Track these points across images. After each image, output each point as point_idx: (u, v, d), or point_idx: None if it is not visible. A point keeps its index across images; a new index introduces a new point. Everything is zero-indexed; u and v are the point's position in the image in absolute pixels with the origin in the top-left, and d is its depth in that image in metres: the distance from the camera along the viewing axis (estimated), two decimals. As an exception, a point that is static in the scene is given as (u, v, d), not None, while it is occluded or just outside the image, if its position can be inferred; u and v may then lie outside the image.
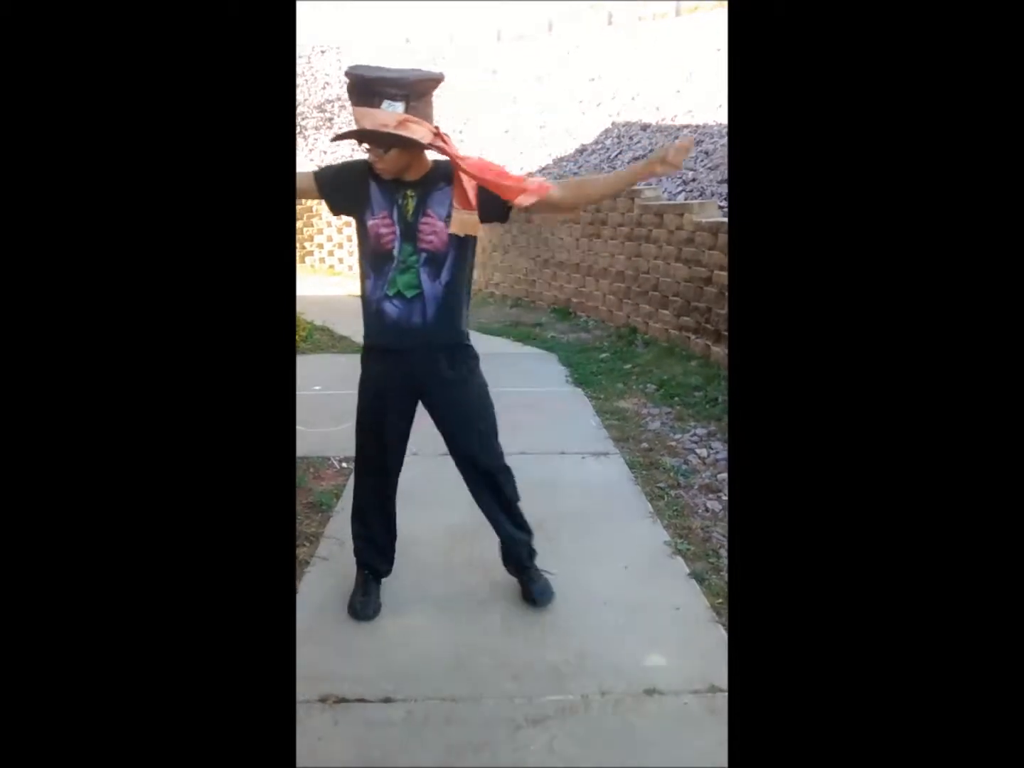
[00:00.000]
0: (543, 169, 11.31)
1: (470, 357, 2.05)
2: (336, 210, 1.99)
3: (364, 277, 1.97)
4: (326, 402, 4.47)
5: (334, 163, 2.03)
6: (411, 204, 1.89)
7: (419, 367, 1.98)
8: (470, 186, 1.85)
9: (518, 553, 2.24)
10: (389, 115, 1.72)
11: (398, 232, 1.89)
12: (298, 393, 4.95)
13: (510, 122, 13.66)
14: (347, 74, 1.77)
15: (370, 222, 1.91)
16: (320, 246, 12.62)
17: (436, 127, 1.80)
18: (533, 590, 2.22)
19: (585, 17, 16.83)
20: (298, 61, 17.24)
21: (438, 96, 1.90)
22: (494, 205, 1.89)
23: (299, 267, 12.45)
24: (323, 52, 17.69)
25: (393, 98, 1.73)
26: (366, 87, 1.74)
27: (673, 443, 3.71)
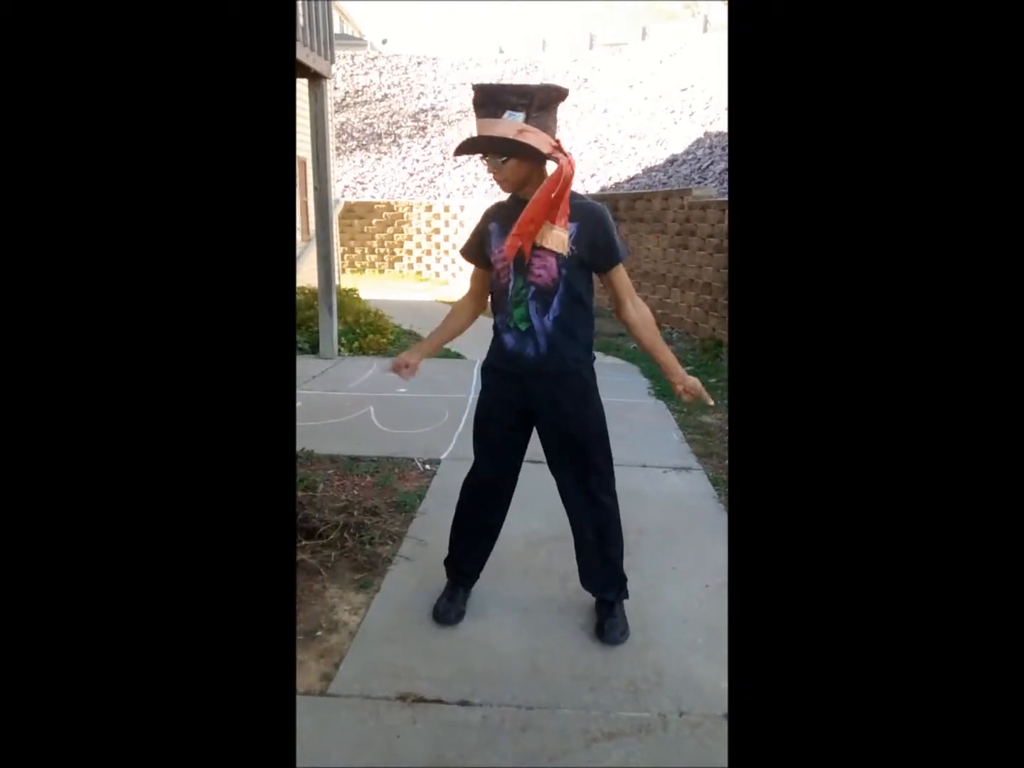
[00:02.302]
0: (632, 179, 11.24)
1: (582, 387, 2.03)
2: (481, 265, 2.07)
3: (494, 309, 2.05)
4: (411, 405, 4.57)
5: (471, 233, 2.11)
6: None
7: (532, 392, 2.01)
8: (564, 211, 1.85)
9: (596, 582, 2.19)
10: (509, 124, 1.76)
11: (512, 266, 1.93)
12: (385, 395, 5.09)
13: (599, 131, 13.64)
14: (473, 88, 1.82)
15: (493, 259, 1.97)
16: (409, 252, 12.92)
17: (557, 140, 1.82)
18: (606, 626, 2.12)
19: (680, 24, 16.64)
20: (394, 72, 17.74)
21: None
22: (601, 256, 1.93)
23: (387, 272, 12.79)
24: (419, 63, 18.14)
25: (515, 108, 1.76)
26: (489, 98, 1.78)
27: (759, 461, 3.61)
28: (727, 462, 3.59)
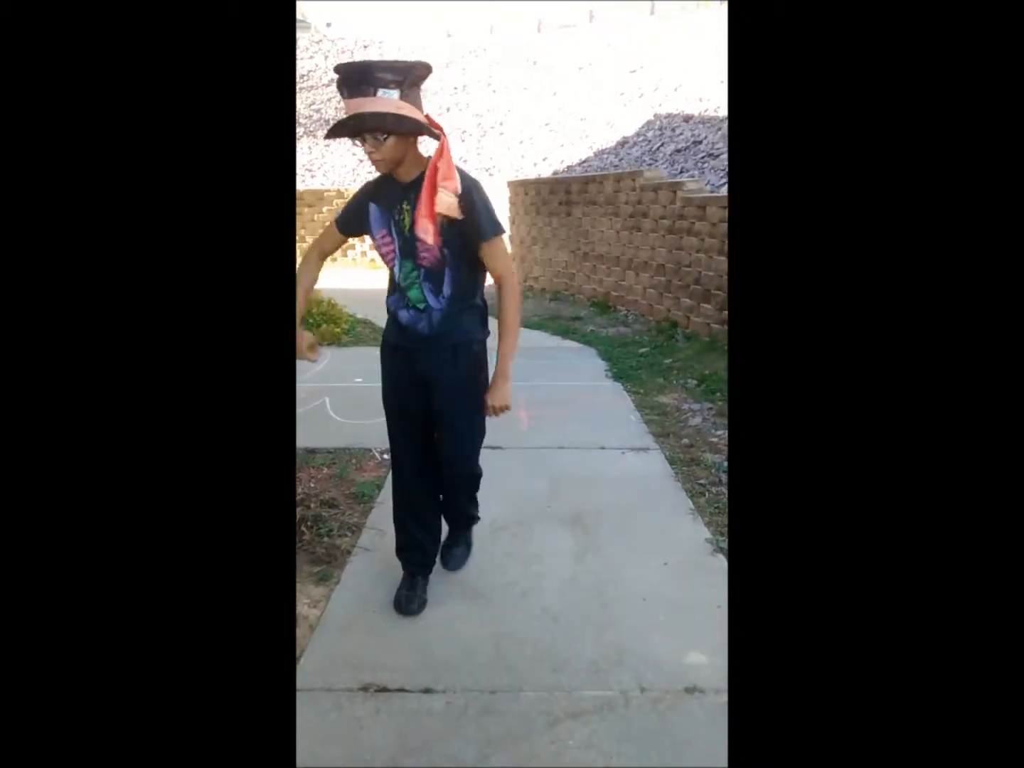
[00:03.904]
0: (583, 162, 11.25)
1: (474, 356, 2.05)
2: (346, 234, 2.09)
3: (388, 291, 2.07)
4: (367, 394, 4.51)
5: (349, 200, 2.09)
6: (407, 219, 1.90)
7: (424, 363, 2.04)
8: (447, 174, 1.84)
9: (454, 522, 2.43)
10: (386, 102, 1.72)
11: (396, 249, 1.95)
12: (340, 385, 5.02)
13: (551, 115, 13.60)
14: (337, 68, 1.76)
15: (374, 243, 2.00)
16: (362, 239, 12.74)
17: (427, 115, 1.82)
18: (450, 556, 2.42)
19: (627, 6, 16.66)
20: (340, 56, 17.41)
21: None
22: (471, 229, 1.90)
23: (341, 260, 12.60)
24: (365, 47, 17.83)
25: (387, 85, 1.72)
26: (360, 76, 1.72)
27: (715, 439, 3.67)
28: (683, 441, 3.65)
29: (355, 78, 1.73)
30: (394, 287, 2.04)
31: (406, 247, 1.93)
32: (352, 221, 2.05)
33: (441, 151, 1.81)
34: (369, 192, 2.00)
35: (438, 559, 2.35)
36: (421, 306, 1.98)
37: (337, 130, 1.77)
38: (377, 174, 1.96)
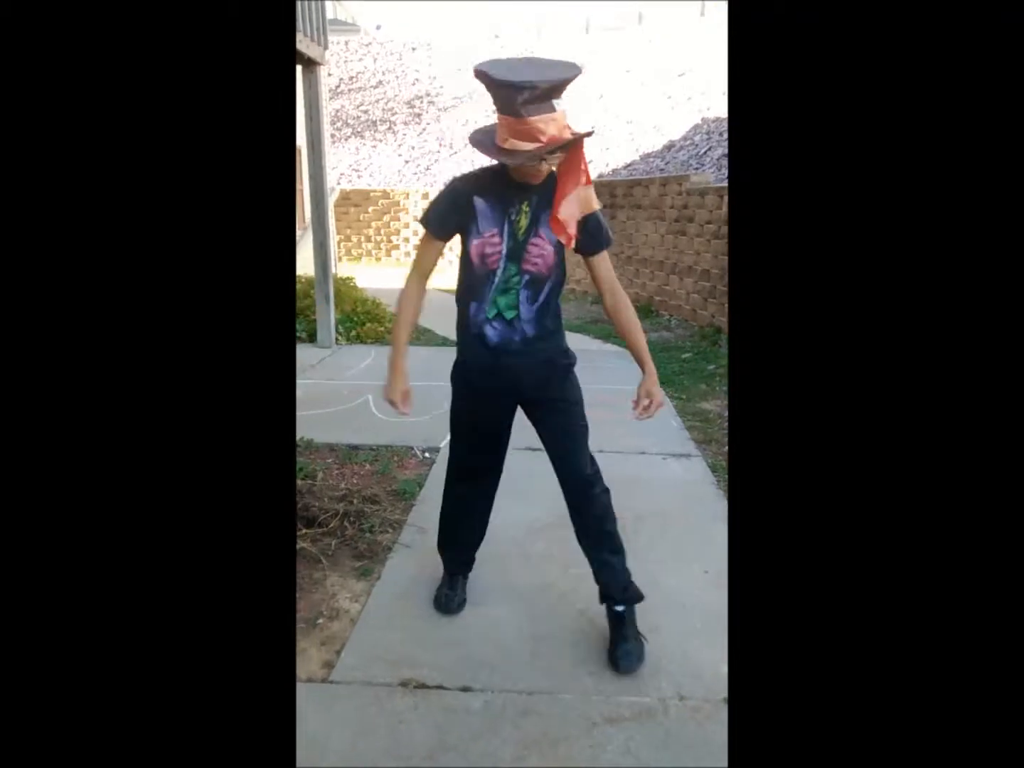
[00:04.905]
0: (629, 166, 11.19)
1: (568, 369, 1.99)
2: (446, 237, 1.89)
3: (465, 300, 1.90)
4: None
5: (436, 200, 1.88)
6: (524, 221, 1.80)
7: (519, 381, 1.94)
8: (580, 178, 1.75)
9: (611, 583, 2.03)
10: (563, 114, 1.64)
11: (504, 251, 1.81)
12: (382, 384, 5.08)
13: (596, 117, 13.56)
14: (517, 85, 1.56)
15: (475, 241, 1.81)
16: (406, 240, 12.87)
17: None
18: (619, 652, 1.93)
19: (676, 7, 16.54)
20: (388, 58, 17.61)
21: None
22: (591, 238, 1.87)
23: (384, 260, 12.75)
24: (414, 49, 18.00)
25: (560, 97, 1.63)
26: (551, 91, 1.59)
27: (757, 447, 3.62)
28: (726, 449, 3.60)
29: (547, 94, 1.58)
30: (476, 294, 1.86)
31: (516, 250, 1.81)
32: (451, 220, 1.84)
33: (582, 154, 1.72)
34: (470, 187, 1.81)
35: (608, 660, 1.95)
36: (509, 315, 1.85)
37: (545, 149, 1.63)
38: (457, 172, 1.92)
